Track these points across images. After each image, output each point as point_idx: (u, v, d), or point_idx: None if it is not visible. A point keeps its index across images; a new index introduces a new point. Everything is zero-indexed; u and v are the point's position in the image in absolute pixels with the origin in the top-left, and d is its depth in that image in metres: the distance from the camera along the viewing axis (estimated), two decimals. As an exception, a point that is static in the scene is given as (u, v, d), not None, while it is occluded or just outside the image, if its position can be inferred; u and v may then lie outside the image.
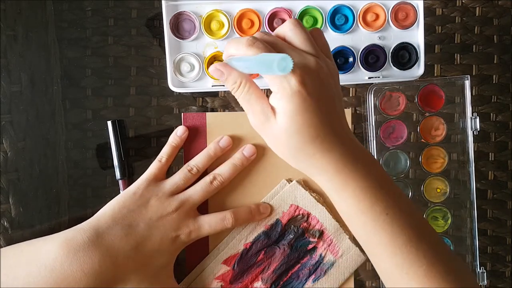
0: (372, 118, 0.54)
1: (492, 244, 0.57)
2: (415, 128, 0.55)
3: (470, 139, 0.55)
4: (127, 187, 0.51)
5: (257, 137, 0.54)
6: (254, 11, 0.53)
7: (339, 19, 0.53)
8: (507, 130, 0.57)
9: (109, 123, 0.53)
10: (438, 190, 0.55)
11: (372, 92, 0.54)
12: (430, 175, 0.55)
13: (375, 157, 0.54)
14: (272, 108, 0.39)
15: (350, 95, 0.55)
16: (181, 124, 0.54)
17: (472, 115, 0.54)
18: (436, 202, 0.55)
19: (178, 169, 0.53)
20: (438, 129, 0.55)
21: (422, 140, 0.55)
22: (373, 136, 0.54)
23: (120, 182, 0.53)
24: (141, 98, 0.54)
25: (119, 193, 0.52)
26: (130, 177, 0.54)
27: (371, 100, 0.54)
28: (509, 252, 0.57)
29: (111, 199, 0.49)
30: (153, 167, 0.52)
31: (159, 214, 0.50)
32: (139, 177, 0.52)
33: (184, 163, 0.53)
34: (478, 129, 0.54)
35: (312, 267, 0.54)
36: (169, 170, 0.54)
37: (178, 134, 0.53)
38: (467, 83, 0.54)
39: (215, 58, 0.53)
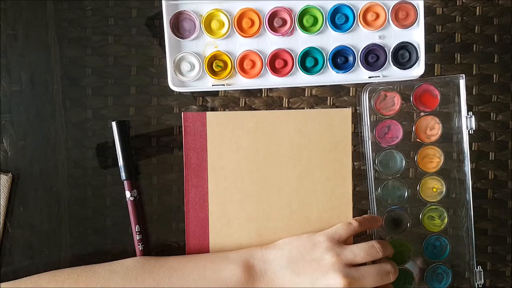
0: (367, 118, 0.54)
1: (492, 243, 0.57)
2: (410, 127, 0.55)
3: (466, 138, 0.55)
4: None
5: (257, 136, 0.54)
6: (254, 10, 0.53)
7: (340, 18, 0.53)
8: (507, 130, 0.57)
9: (114, 124, 0.52)
10: (434, 190, 0.55)
11: (367, 92, 0.54)
12: (426, 174, 0.55)
13: (371, 157, 0.54)
14: None
15: (351, 94, 0.55)
16: (181, 123, 0.54)
17: (468, 114, 0.54)
18: (433, 202, 0.55)
19: (178, 169, 0.53)
20: (433, 128, 0.55)
21: (418, 139, 0.55)
22: (368, 136, 0.54)
23: (126, 183, 0.53)
24: (141, 98, 0.54)
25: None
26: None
27: (365, 100, 0.54)
28: (509, 251, 0.57)
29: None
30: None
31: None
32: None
33: (184, 163, 0.53)
34: (474, 128, 0.54)
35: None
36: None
37: None
38: (462, 82, 0.54)
39: (215, 57, 0.53)
